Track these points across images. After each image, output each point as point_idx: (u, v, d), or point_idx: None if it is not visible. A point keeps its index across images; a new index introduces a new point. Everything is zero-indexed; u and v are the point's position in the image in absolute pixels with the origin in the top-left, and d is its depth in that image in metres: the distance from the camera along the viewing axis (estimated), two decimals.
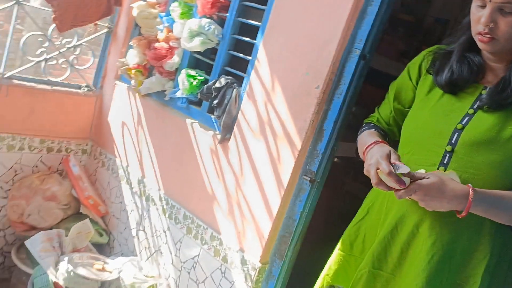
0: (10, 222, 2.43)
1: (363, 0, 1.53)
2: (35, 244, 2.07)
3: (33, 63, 2.37)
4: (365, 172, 1.14)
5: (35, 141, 2.46)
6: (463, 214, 1.06)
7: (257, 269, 1.79)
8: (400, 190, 1.06)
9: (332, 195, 2.85)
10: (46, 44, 2.37)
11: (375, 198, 1.33)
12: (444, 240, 1.14)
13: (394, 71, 2.62)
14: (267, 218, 1.77)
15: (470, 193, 1.05)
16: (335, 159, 2.42)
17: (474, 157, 1.12)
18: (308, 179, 1.68)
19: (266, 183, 1.78)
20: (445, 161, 1.16)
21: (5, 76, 2.28)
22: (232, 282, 1.88)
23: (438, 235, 1.14)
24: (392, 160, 1.09)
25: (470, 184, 1.07)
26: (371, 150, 1.18)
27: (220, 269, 1.92)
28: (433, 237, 1.15)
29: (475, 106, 1.17)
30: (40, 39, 2.37)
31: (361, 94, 2.59)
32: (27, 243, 2.09)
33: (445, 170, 1.15)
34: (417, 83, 1.31)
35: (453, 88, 1.20)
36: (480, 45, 1.14)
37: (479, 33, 1.11)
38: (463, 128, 1.16)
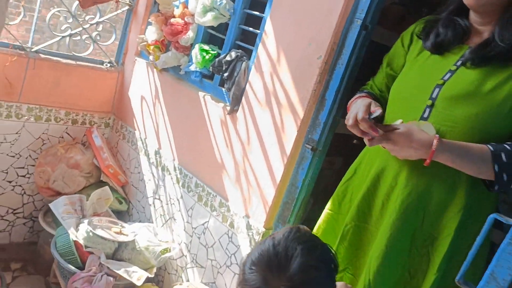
0: (37, 188, 2.60)
1: None
2: (58, 206, 2.23)
3: (58, 38, 2.51)
4: (345, 121, 1.20)
5: (61, 113, 2.62)
6: (427, 161, 1.10)
7: (261, 234, 1.87)
8: (371, 140, 1.13)
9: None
10: (70, 20, 2.50)
11: (361, 159, 1.39)
12: (419, 190, 1.19)
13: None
14: (271, 186, 1.85)
15: (434, 142, 1.09)
16: (354, 141, 2.43)
17: (453, 110, 1.16)
18: (310, 147, 1.74)
19: (271, 151, 1.85)
20: (425, 115, 1.20)
21: (33, 50, 2.43)
22: (238, 246, 1.97)
23: (414, 186, 1.19)
24: (372, 109, 1.14)
25: (437, 135, 1.11)
26: (354, 103, 1.23)
27: (227, 234, 2.02)
28: (408, 187, 1.20)
29: (459, 63, 1.21)
30: (64, 15, 2.50)
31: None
32: (51, 205, 2.25)
33: None
34: (409, 49, 1.35)
35: (439, 49, 1.24)
36: (466, 1, 1.16)
37: None
38: (444, 83, 1.20)
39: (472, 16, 1.22)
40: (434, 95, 1.20)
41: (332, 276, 0.99)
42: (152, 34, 2.49)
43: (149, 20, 2.53)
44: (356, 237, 1.31)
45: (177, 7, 2.35)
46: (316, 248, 0.98)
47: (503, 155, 1.08)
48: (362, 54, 1.66)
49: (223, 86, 2.12)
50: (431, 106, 1.20)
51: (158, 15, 2.48)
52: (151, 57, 2.51)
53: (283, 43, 1.82)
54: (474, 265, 0.85)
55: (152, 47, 2.49)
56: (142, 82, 2.61)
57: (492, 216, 0.65)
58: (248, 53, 2.02)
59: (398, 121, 1.16)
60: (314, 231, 1.46)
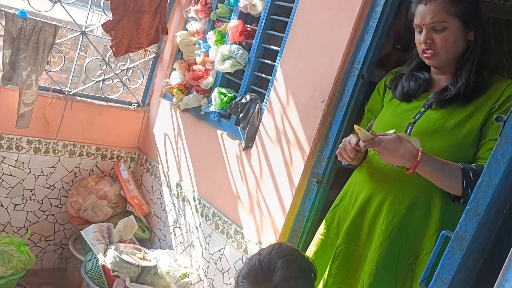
0: (69, 217, 2.85)
1: (361, 29, 1.82)
2: (89, 233, 2.46)
3: (93, 82, 2.82)
4: (337, 152, 1.45)
5: (92, 148, 2.90)
6: (411, 171, 1.28)
7: None
8: (365, 141, 1.31)
9: None
10: (104, 67, 2.82)
11: (348, 187, 1.60)
12: (401, 214, 1.39)
13: None
14: (281, 215, 2.05)
15: (419, 154, 1.26)
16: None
17: (424, 144, 1.36)
18: (316, 180, 1.95)
19: (281, 184, 2.07)
20: None
21: (71, 93, 2.74)
22: None
23: (397, 211, 1.40)
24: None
25: (421, 149, 1.29)
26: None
27: (242, 259, 2.21)
28: (392, 212, 1.40)
29: (426, 106, 1.45)
30: (99, 63, 2.83)
31: None
32: (83, 232, 2.48)
33: None
34: (384, 96, 1.60)
35: (406, 98, 1.49)
36: (426, 61, 1.43)
37: (423, 52, 1.40)
38: (415, 122, 1.44)
39: (433, 69, 1.48)
40: (408, 132, 1.43)
41: (311, 283, 1.18)
42: (176, 78, 2.78)
43: (174, 66, 2.83)
44: (346, 258, 1.51)
45: (199, 55, 2.65)
46: (295, 260, 1.17)
47: (470, 173, 1.26)
48: (360, 99, 1.90)
49: (238, 125, 2.37)
50: None
51: (182, 62, 2.78)
52: (174, 99, 2.79)
53: (291, 88, 2.07)
54: None
55: (175, 89, 2.78)
56: (166, 121, 2.88)
57: (443, 232, 0.85)
58: (261, 96, 2.27)
59: (391, 131, 1.37)
60: (307, 253, 1.66)
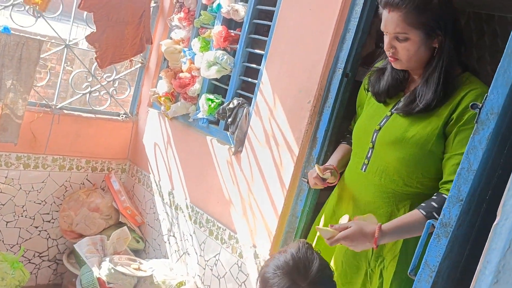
0: (61, 232, 2.83)
1: (342, 28, 1.85)
2: (82, 246, 2.45)
3: (80, 95, 2.81)
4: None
5: (82, 161, 2.89)
6: (375, 247, 1.30)
7: None
8: (328, 239, 1.34)
9: None
10: (90, 79, 2.82)
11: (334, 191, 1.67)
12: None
13: None
14: (274, 217, 2.06)
15: (376, 232, 1.28)
16: None
17: (387, 153, 1.38)
18: (306, 180, 1.96)
19: (272, 186, 2.08)
20: (369, 155, 1.45)
21: (57, 107, 2.73)
22: (247, 275, 2.16)
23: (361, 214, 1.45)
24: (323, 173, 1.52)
25: (379, 224, 1.30)
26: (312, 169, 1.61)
27: (237, 264, 2.21)
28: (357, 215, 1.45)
29: (393, 110, 1.43)
30: (85, 75, 2.82)
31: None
32: (76, 245, 2.46)
33: (368, 163, 1.44)
34: (367, 92, 1.62)
35: (379, 98, 1.48)
36: (392, 64, 1.42)
37: (388, 56, 1.40)
38: (380, 129, 1.43)
39: None
40: (373, 139, 1.44)
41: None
42: (163, 87, 2.79)
43: (160, 75, 2.84)
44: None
45: (185, 63, 2.66)
46: (320, 255, 1.25)
47: (435, 215, 1.24)
48: (346, 97, 1.92)
49: (227, 130, 2.38)
50: (372, 148, 1.44)
51: (168, 70, 2.79)
52: (162, 108, 2.80)
53: (277, 90, 2.09)
54: None
55: (163, 98, 2.78)
56: (155, 130, 2.88)
57: (429, 221, 0.87)
58: (249, 100, 2.29)
59: (345, 218, 1.40)
60: None
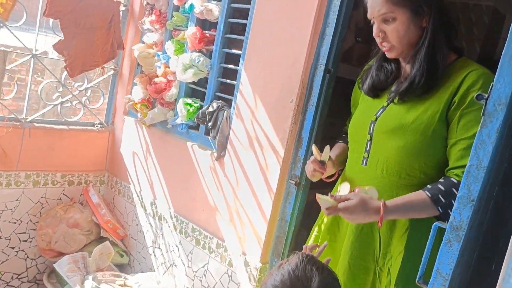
0: (40, 251, 2.69)
1: (321, 23, 1.78)
2: (63, 265, 2.32)
3: (51, 107, 2.68)
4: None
5: (57, 176, 2.75)
6: (379, 225, 1.25)
7: (258, 269, 1.99)
8: (327, 209, 1.29)
9: None
10: (61, 89, 2.69)
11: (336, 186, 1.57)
12: None
13: None
14: (263, 222, 1.99)
15: (382, 209, 1.22)
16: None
17: (385, 143, 1.32)
18: (294, 182, 1.90)
19: (258, 190, 2.00)
20: (367, 148, 1.38)
21: (28, 120, 2.59)
22: (238, 284, 2.07)
23: None
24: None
25: (383, 200, 1.25)
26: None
27: (227, 273, 2.13)
28: None
29: (389, 100, 1.38)
30: (55, 85, 2.69)
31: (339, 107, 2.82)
32: (56, 265, 2.34)
33: (368, 156, 1.37)
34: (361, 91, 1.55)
35: (375, 92, 1.42)
36: (386, 54, 1.36)
37: (381, 44, 1.34)
38: (376, 119, 1.37)
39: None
40: (370, 131, 1.38)
41: None
42: (138, 93, 2.68)
43: (134, 81, 2.73)
44: (329, 255, 1.47)
45: (159, 67, 2.55)
46: (325, 269, 1.15)
47: (441, 198, 1.20)
48: (329, 94, 1.86)
49: (208, 135, 2.29)
50: (370, 140, 1.38)
51: (142, 76, 2.68)
52: (138, 115, 2.69)
53: (258, 91, 2.02)
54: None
55: (139, 105, 2.67)
56: (132, 139, 2.77)
57: (436, 224, 0.80)
58: (228, 103, 2.20)
59: (345, 187, 1.32)
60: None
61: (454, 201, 1.11)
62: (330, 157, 1.48)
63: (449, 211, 1.15)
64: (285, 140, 1.89)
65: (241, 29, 2.19)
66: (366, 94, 1.46)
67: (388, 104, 1.38)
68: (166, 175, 2.52)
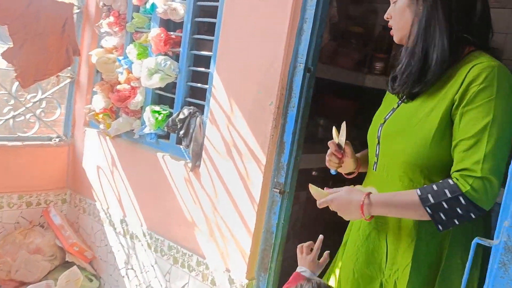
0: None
1: (298, 19, 1.66)
2: None
3: (2, 122, 2.42)
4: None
5: (13, 197, 2.50)
6: (366, 219, 1.18)
7: (245, 286, 1.85)
8: (319, 200, 1.25)
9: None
10: (12, 102, 2.44)
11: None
12: (378, 220, 1.27)
13: (353, 80, 2.77)
14: (246, 235, 1.84)
15: (363, 198, 1.16)
16: (314, 172, 2.50)
17: (390, 146, 1.23)
18: (278, 191, 1.77)
19: (240, 201, 1.86)
20: (377, 153, 1.29)
21: None
22: None
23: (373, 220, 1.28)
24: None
25: (368, 191, 1.18)
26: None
27: None
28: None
29: (400, 101, 1.28)
30: (5, 98, 2.44)
31: (326, 106, 2.71)
32: None
33: (377, 161, 1.26)
34: None
35: (392, 91, 1.30)
36: (395, 39, 1.26)
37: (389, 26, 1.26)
38: (384, 122, 1.28)
39: None
40: (378, 134, 1.28)
41: None
42: (99, 102, 2.47)
43: (94, 89, 2.52)
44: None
45: (121, 73, 2.36)
46: None
47: (430, 197, 1.09)
48: (310, 94, 1.74)
49: (181, 144, 2.13)
50: (378, 144, 1.28)
51: (103, 83, 2.47)
52: (101, 126, 2.48)
53: (233, 94, 1.87)
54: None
55: (101, 115, 2.46)
56: (96, 152, 2.55)
57: (475, 241, 0.69)
58: (201, 108, 2.05)
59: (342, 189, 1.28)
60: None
61: (446, 204, 1.05)
62: (353, 153, 1.40)
63: (442, 216, 1.07)
64: (266, 145, 1.76)
65: (210, 29, 2.04)
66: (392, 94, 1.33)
67: (398, 106, 1.28)
68: (136, 189, 2.33)
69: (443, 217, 1.07)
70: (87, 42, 2.59)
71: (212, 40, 1.98)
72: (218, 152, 1.93)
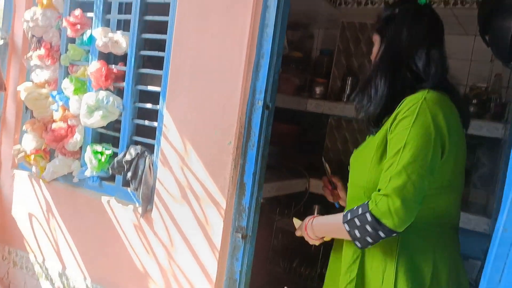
0: None
1: (254, 54, 1.59)
2: None
3: None
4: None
5: None
6: (315, 244, 1.36)
7: None
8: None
9: (267, 234, 2.85)
10: None
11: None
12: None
13: (294, 106, 2.75)
14: (207, 285, 1.70)
15: (306, 223, 1.36)
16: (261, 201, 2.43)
17: (352, 171, 1.34)
18: (240, 235, 1.66)
19: (199, 248, 1.72)
20: (348, 177, 1.38)
21: None
22: None
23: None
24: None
25: (316, 214, 1.37)
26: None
27: None
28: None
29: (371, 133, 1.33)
30: None
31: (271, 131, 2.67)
32: None
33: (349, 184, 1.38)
34: None
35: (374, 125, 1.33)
36: None
37: None
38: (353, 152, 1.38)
39: None
40: (350, 161, 1.38)
41: None
42: (30, 143, 2.22)
43: (24, 128, 2.26)
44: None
45: (56, 110, 2.14)
46: None
47: (348, 214, 1.17)
48: (269, 132, 1.67)
49: (128, 186, 1.95)
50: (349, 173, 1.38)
51: (34, 122, 2.23)
52: (34, 168, 2.22)
53: (187, 133, 1.74)
54: None
55: (32, 156, 2.21)
56: (27, 197, 2.28)
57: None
58: (150, 148, 1.89)
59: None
60: None
61: (358, 221, 1.12)
62: (343, 185, 1.50)
63: (357, 233, 1.13)
64: (226, 188, 1.65)
65: (158, 62, 1.90)
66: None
67: (368, 137, 1.35)
68: (78, 238, 2.10)
69: (358, 234, 1.14)
70: (14, 76, 2.34)
71: (161, 75, 1.84)
72: (172, 196, 1.79)
